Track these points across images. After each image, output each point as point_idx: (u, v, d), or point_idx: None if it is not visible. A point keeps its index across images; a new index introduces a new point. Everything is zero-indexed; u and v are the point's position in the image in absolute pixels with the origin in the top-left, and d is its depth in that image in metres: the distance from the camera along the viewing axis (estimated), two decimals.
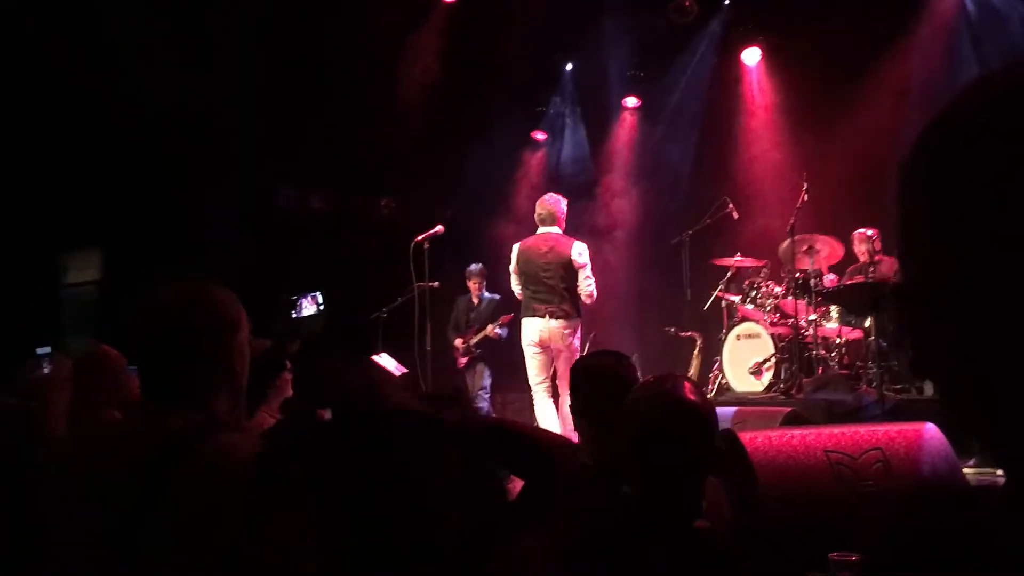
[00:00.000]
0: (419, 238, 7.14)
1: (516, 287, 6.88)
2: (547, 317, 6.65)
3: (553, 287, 6.67)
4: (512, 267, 6.86)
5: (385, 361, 8.42)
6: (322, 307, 2.97)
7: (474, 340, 8.65)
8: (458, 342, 8.77)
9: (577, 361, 3.26)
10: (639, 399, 2.08)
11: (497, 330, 8.50)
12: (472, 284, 8.93)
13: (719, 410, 5.72)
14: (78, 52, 8.41)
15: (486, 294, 8.81)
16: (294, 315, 2.94)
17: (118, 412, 3.63)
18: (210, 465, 1.63)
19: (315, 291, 2.96)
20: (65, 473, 1.77)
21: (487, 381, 8.78)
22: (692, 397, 2.04)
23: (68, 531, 1.67)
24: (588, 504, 2.17)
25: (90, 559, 1.61)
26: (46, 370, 3.53)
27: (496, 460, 1.68)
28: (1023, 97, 0.64)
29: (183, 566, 1.58)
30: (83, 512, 1.65)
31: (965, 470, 4.90)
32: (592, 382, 2.86)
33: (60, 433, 2.99)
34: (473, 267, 8.93)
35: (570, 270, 6.66)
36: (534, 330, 6.72)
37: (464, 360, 8.79)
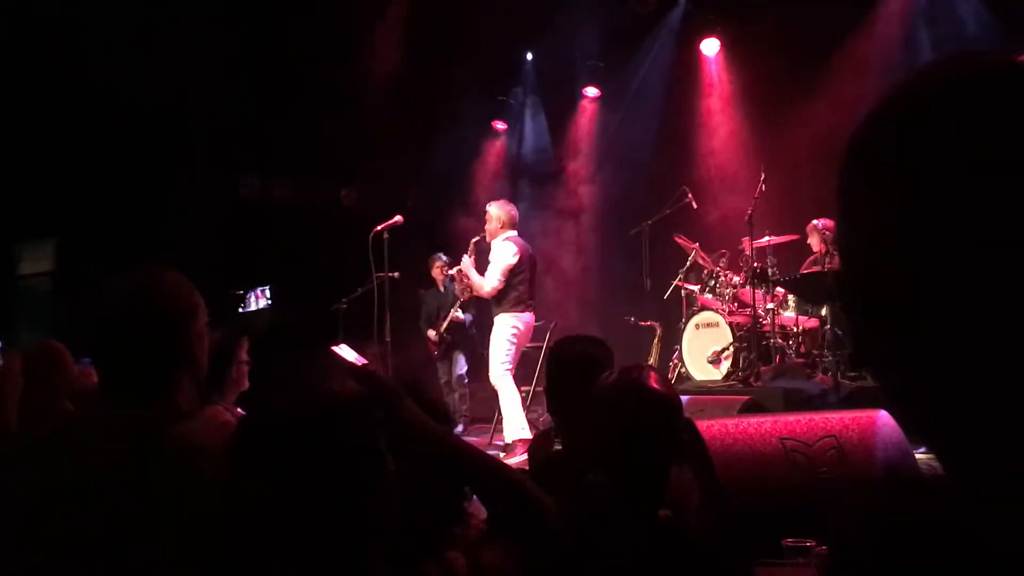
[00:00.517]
0: (378, 228, 7.09)
1: (498, 283, 6.89)
2: (533, 312, 7.07)
3: (535, 285, 7.18)
4: (513, 264, 6.91)
5: (344, 352, 8.41)
6: (271, 302, 2.93)
7: (443, 326, 8.66)
8: (431, 334, 8.77)
9: (556, 346, 3.19)
10: (607, 389, 2.07)
11: (459, 313, 8.50)
12: (436, 272, 8.93)
13: None
14: (35, 39, 8.26)
15: (449, 281, 8.81)
16: (241, 310, 2.89)
17: (70, 404, 3.57)
18: (180, 455, 1.61)
19: (264, 285, 2.91)
20: (27, 469, 1.73)
21: (462, 369, 8.79)
22: (659, 387, 2.04)
23: (33, 528, 1.63)
24: (560, 493, 2.18)
25: (58, 555, 1.58)
26: None
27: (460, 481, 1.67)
28: (972, 87, 0.65)
29: (157, 559, 1.56)
30: (50, 508, 1.61)
31: (917, 455, 4.98)
32: (569, 368, 2.83)
33: (11, 428, 2.94)
34: (437, 255, 8.93)
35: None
36: (523, 322, 6.97)
37: (438, 350, 8.81)
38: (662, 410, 2.02)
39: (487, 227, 7.06)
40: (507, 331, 6.92)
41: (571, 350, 2.96)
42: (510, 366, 6.90)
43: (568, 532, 1.86)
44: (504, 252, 6.93)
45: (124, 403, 1.71)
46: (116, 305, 1.77)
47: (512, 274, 6.90)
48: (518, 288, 6.92)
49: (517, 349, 6.96)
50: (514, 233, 7.02)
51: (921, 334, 0.64)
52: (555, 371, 2.92)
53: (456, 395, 8.70)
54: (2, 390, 3.08)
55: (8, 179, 8.76)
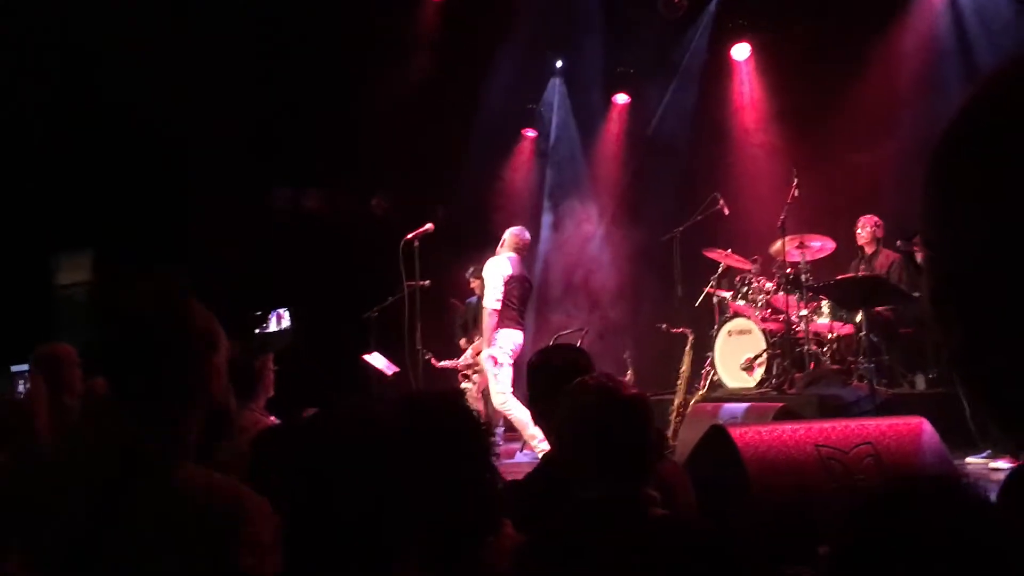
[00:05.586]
0: (409, 236, 7.09)
1: (497, 302, 6.92)
2: (523, 332, 7.17)
3: (527, 307, 7.40)
4: (506, 276, 6.94)
5: (376, 360, 8.42)
6: (288, 325, 2.97)
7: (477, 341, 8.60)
8: (463, 342, 8.70)
9: (540, 357, 3.13)
10: (576, 394, 2.09)
11: None
12: (475, 284, 8.85)
13: (729, 407, 5.69)
14: (67, 50, 8.39)
15: None
16: (259, 331, 2.93)
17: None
18: (183, 500, 1.53)
19: (282, 308, 2.95)
20: (23, 489, 1.68)
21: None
22: (629, 390, 2.09)
23: (21, 547, 1.59)
24: (545, 500, 2.22)
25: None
26: (22, 389, 3.53)
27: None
28: None
29: None
30: (37, 530, 1.57)
31: (969, 460, 4.90)
32: (555, 377, 2.83)
33: (44, 440, 2.98)
34: (475, 267, 8.85)
35: None
36: (516, 341, 7.00)
37: (451, 363, 8.72)
38: (635, 410, 2.03)
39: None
40: (507, 346, 6.91)
41: (557, 359, 2.99)
42: (511, 389, 6.91)
43: (557, 538, 1.87)
44: (495, 268, 6.97)
45: (133, 430, 1.62)
46: (134, 321, 1.66)
47: (508, 291, 6.93)
48: (515, 306, 6.98)
49: (513, 369, 6.94)
50: (514, 255, 7.06)
51: None
52: (541, 381, 2.91)
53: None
54: (32, 408, 3.13)
55: (46, 190, 8.90)
